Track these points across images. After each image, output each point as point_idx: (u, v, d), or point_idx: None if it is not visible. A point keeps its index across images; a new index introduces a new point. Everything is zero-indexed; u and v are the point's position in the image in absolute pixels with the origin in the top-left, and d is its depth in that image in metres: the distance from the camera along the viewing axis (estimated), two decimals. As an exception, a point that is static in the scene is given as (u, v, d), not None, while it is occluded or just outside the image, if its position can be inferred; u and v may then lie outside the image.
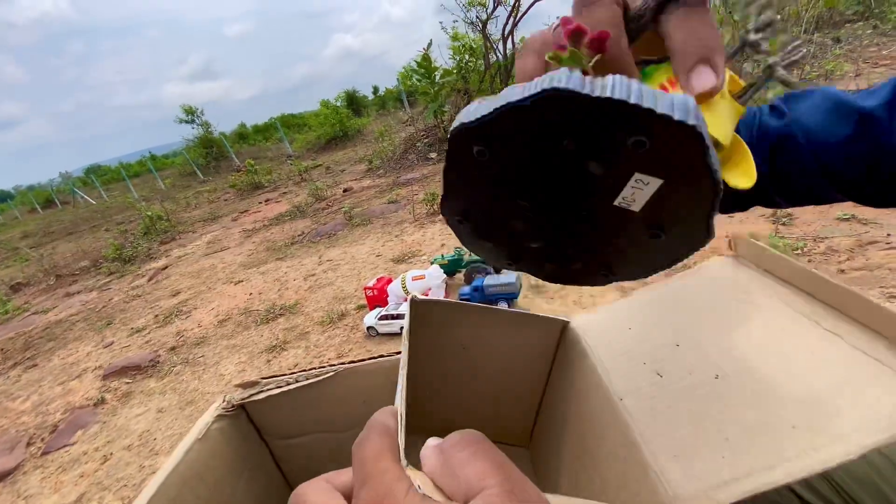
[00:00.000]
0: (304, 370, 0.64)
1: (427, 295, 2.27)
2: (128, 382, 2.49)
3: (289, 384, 0.64)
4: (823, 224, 2.60)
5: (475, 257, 2.51)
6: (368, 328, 2.27)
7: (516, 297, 2.21)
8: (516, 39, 7.14)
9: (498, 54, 7.03)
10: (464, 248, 2.39)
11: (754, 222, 2.75)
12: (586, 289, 2.28)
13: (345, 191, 5.85)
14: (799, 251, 2.20)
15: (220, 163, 13.56)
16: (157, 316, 3.38)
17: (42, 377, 2.96)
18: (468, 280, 2.43)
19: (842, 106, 0.39)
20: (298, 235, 4.49)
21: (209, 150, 13.79)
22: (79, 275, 5.67)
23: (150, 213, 6.75)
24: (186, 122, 14.43)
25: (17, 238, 11.35)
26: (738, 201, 0.48)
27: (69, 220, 12.11)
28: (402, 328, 2.17)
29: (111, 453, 1.95)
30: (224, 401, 0.61)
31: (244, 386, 0.65)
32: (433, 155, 6.38)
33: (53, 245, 8.87)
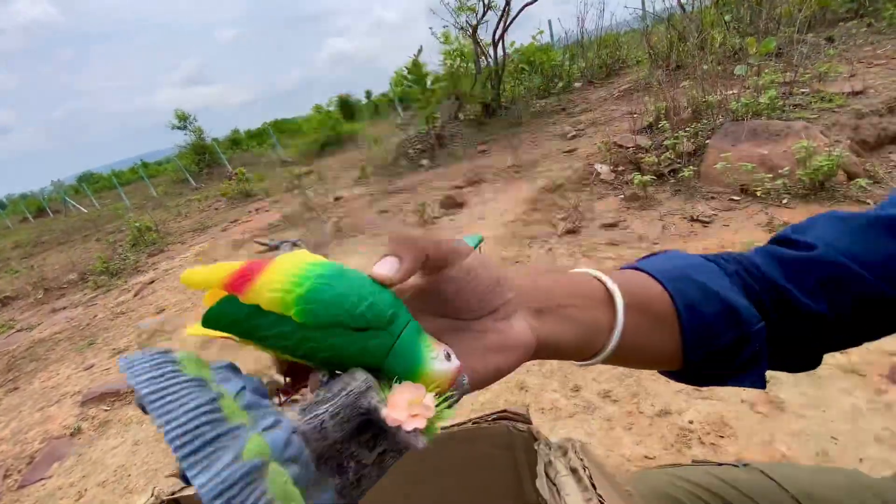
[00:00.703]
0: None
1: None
2: (105, 410, 2.40)
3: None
4: (821, 232, 2.55)
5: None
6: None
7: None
8: (507, 43, 7.09)
9: (489, 59, 6.98)
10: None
11: (751, 231, 2.69)
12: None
13: (336, 199, 5.77)
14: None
15: (213, 169, 13.46)
16: (140, 335, 3.28)
17: (22, 402, 2.87)
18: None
19: (876, 222, 0.39)
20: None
21: (201, 156, 13.69)
22: (66, 288, 5.56)
23: (138, 225, 6.65)
24: (179, 128, 14.32)
25: (8, 248, 11.19)
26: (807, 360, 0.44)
27: (60, 229, 11.97)
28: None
29: (86, 489, 1.86)
30: (152, 495, 0.53)
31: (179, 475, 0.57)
32: (425, 162, 6.31)
33: (44, 256, 8.74)
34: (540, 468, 0.47)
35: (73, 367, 3.09)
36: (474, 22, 6.61)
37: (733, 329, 0.38)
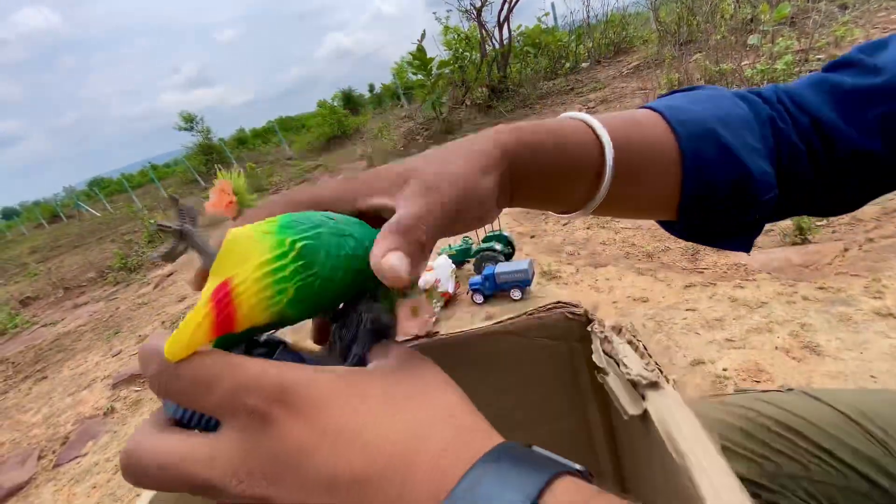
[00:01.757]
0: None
1: (437, 285, 2.19)
2: (136, 390, 2.45)
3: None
4: (843, 194, 2.51)
5: (484, 245, 2.43)
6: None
7: (529, 285, 2.14)
8: (512, 26, 7.03)
9: (494, 42, 6.93)
10: (471, 237, 2.30)
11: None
12: (601, 272, 2.20)
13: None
14: (823, 222, 2.11)
15: (221, 168, 13.56)
16: (164, 322, 3.34)
17: (52, 389, 2.94)
18: (478, 269, 2.36)
19: None
20: (302, 235, 4.45)
21: (209, 156, 13.79)
22: (86, 286, 5.66)
23: (153, 221, 6.74)
24: (185, 129, 14.43)
25: (25, 253, 11.42)
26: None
27: (75, 233, 12.17)
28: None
29: (122, 462, 1.91)
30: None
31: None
32: (433, 148, 6.30)
33: (60, 259, 8.90)
34: (595, 344, 0.47)
35: (100, 355, 3.16)
36: (479, 5, 6.56)
37: (740, 196, 0.36)
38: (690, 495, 0.30)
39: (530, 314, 0.51)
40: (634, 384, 0.38)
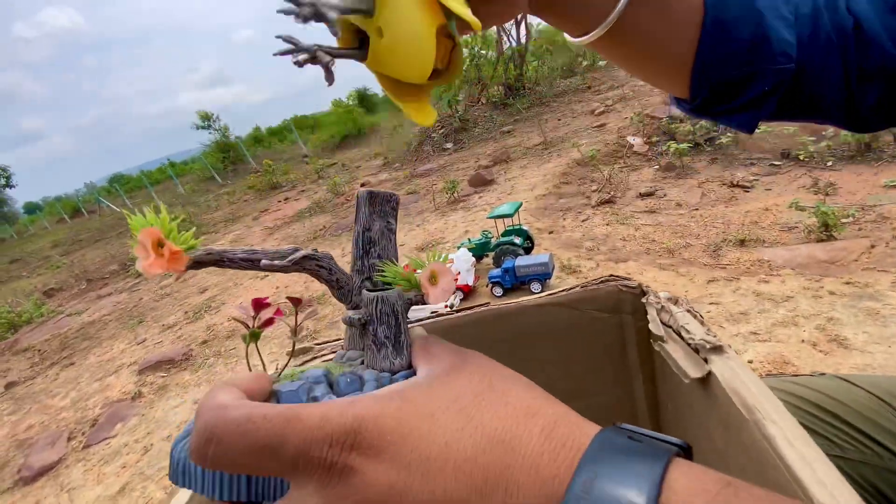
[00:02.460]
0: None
1: (456, 279, 2.21)
2: (163, 376, 2.51)
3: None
4: (869, 192, 2.47)
5: (504, 239, 2.45)
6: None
7: (549, 278, 2.15)
8: (529, 25, 7.01)
9: (511, 40, 6.92)
10: (491, 231, 2.29)
11: (795, 193, 2.62)
12: (622, 267, 2.20)
13: (362, 185, 5.84)
14: (849, 219, 2.09)
15: (238, 166, 13.74)
16: (186, 312, 3.41)
17: (79, 374, 3.02)
18: (497, 262, 2.38)
19: None
20: (320, 230, 4.50)
21: (226, 154, 13.98)
22: (108, 278, 5.79)
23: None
24: (203, 127, 14.66)
25: (47, 247, 11.71)
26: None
27: (96, 227, 12.45)
28: (432, 312, 2.13)
29: (151, 444, 1.97)
30: (276, 370, 0.57)
31: (295, 354, 0.61)
32: (449, 145, 6.32)
33: (83, 252, 9.11)
34: (652, 313, 0.48)
35: (126, 342, 3.24)
36: (495, 3, 6.56)
37: (754, 61, 0.34)
38: (759, 446, 0.32)
39: (584, 286, 0.53)
40: (697, 349, 0.39)
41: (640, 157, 3.69)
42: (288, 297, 0.29)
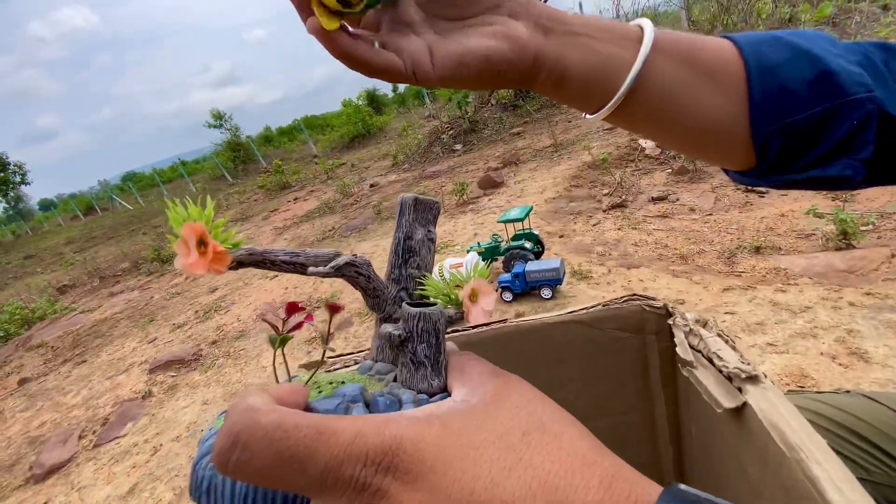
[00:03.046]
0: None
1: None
2: (173, 375, 2.53)
3: (357, 363, 0.59)
4: (889, 199, 2.41)
5: (514, 244, 2.43)
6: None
7: (560, 283, 2.12)
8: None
9: (522, 42, 6.88)
10: (501, 235, 2.29)
11: (811, 199, 2.57)
12: (634, 273, 2.17)
13: (371, 186, 5.85)
14: (869, 227, 2.04)
15: (248, 165, 13.84)
16: (196, 312, 3.43)
17: (91, 372, 3.05)
18: (507, 267, 2.36)
19: None
20: (329, 230, 4.50)
21: (237, 153, 14.10)
22: (121, 276, 5.86)
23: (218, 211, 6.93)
24: (215, 126, 14.81)
25: (61, 244, 11.89)
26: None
27: (109, 225, 12.61)
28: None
29: (161, 444, 1.97)
30: (290, 382, 0.56)
31: (309, 366, 0.60)
32: (458, 147, 6.31)
33: (96, 249, 9.23)
34: (680, 336, 0.47)
35: (136, 341, 3.27)
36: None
37: (824, 97, 0.29)
38: (802, 486, 0.30)
39: (605, 304, 0.52)
40: (730, 377, 0.38)
41: (652, 160, 3.65)
42: (327, 305, 0.27)
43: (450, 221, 3.62)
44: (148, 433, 2.09)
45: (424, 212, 0.30)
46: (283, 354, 0.30)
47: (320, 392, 0.26)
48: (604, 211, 3.08)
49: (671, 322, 0.48)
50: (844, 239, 1.97)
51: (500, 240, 2.60)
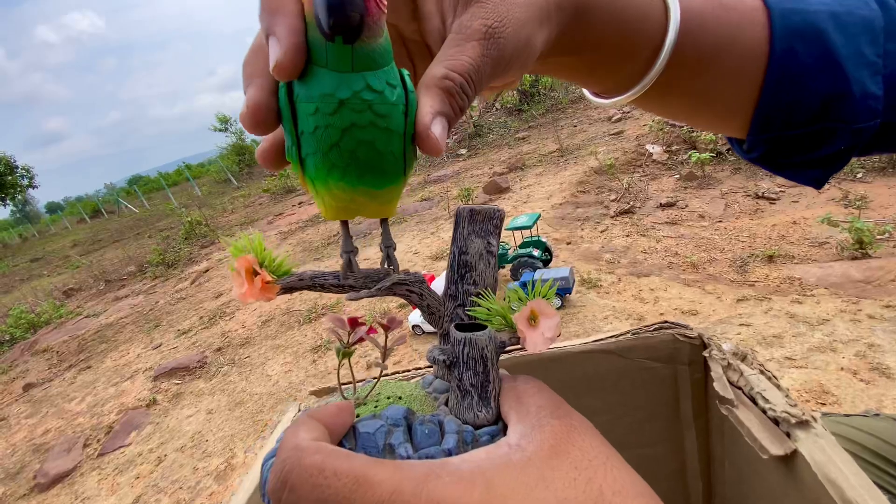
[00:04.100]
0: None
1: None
2: (177, 383, 2.51)
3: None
4: (904, 206, 2.37)
5: (522, 251, 2.40)
6: (414, 326, 2.20)
7: (570, 293, 2.09)
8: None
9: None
10: (508, 242, 2.27)
11: (824, 206, 2.53)
12: (645, 282, 2.13)
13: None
14: (884, 236, 2.00)
15: (253, 169, 13.89)
16: (201, 318, 3.42)
17: (96, 379, 3.04)
18: (515, 275, 2.33)
19: None
20: (334, 235, 4.49)
21: (242, 156, 14.16)
22: (126, 279, 5.87)
23: (189, 219, 6.94)
24: (220, 130, 14.88)
25: (68, 247, 11.96)
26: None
27: (115, 228, 12.67)
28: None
29: (165, 455, 1.96)
30: (299, 410, 0.54)
31: (319, 393, 0.57)
32: (463, 151, 6.29)
33: (102, 252, 9.27)
34: (717, 371, 0.44)
35: (141, 347, 3.26)
36: None
37: (829, 117, 0.29)
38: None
39: (635, 333, 0.49)
40: (777, 421, 0.35)
41: (660, 165, 3.62)
42: (380, 324, 0.27)
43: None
44: (152, 443, 2.08)
45: (483, 222, 0.28)
46: (350, 365, 0.29)
47: (376, 406, 0.26)
48: (611, 217, 3.05)
49: (706, 354, 0.45)
50: (860, 248, 1.93)
51: (507, 247, 2.58)
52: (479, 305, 0.27)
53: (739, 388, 0.40)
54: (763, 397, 0.37)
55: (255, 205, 8.56)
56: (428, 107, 0.22)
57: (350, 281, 0.27)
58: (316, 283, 0.26)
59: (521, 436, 0.20)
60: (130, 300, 4.76)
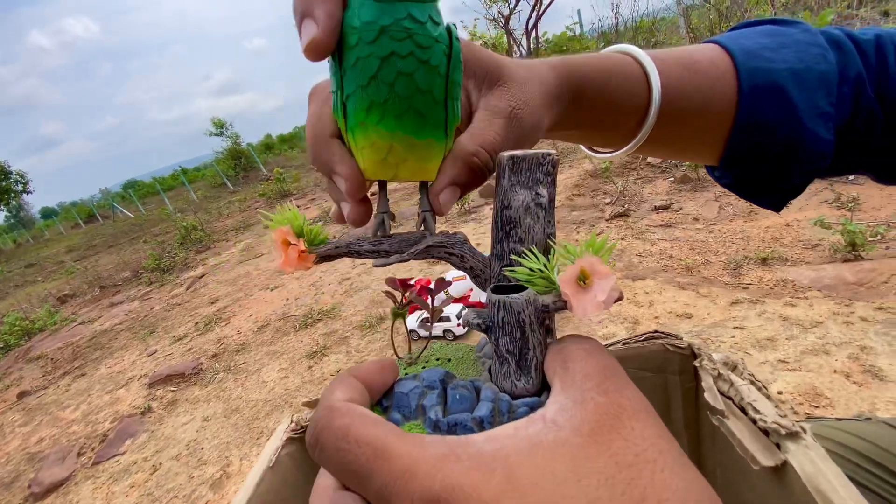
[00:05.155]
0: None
1: (469, 295, 2.17)
2: (172, 390, 2.50)
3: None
4: (895, 208, 2.39)
5: (517, 255, 2.41)
6: (410, 331, 2.20)
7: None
8: (539, 33, 7.01)
9: (521, 49, 6.92)
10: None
11: (816, 208, 2.55)
12: (640, 286, 2.14)
13: (372, 195, 5.83)
14: (877, 238, 2.02)
15: (249, 173, 13.86)
16: (197, 324, 3.41)
17: (90, 386, 3.02)
18: (511, 279, 2.33)
19: None
20: (331, 239, 4.49)
21: (238, 161, 14.13)
22: (121, 285, 5.84)
23: (185, 224, 6.92)
24: (216, 134, 14.85)
25: (62, 252, 11.88)
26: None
27: (110, 233, 12.60)
28: (444, 331, 2.09)
29: (160, 463, 1.94)
30: (292, 422, 0.54)
31: (312, 405, 0.57)
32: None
33: (96, 258, 9.21)
34: (707, 381, 0.44)
35: (136, 354, 3.24)
36: (507, 13, 6.57)
37: (788, 159, 0.35)
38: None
39: (626, 342, 0.49)
40: (767, 432, 0.35)
41: (655, 168, 3.64)
42: (423, 286, 0.28)
43: (451, 230, 3.60)
44: (147, 451, 2.06)
45: (529, 171, 0.24)
46: (405, 323, 0.33)
47: (424, 367, 0.26)
48: (606, 220, 3.06)
49: (697, 364, 0.45)
50: (853, 250, 1.95)
51: (503, 251, 2.58)
52: (519, 265, 0.24)
53: (730, 399, 0.40)
54: (753, 408, 0.37)
55: (251, 209, 8.54)
56: (447, 176, 0.25)
57: (385, 246, 0.26)
58: (351, 250, 0.26)
59: (560, 410, 0.18)
60: (125, 306, 4.73)
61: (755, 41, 0.35)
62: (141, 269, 5.98)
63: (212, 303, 3.79)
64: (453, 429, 0.21)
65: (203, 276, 4.77)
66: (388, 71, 0.21)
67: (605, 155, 0.39)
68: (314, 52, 0.21)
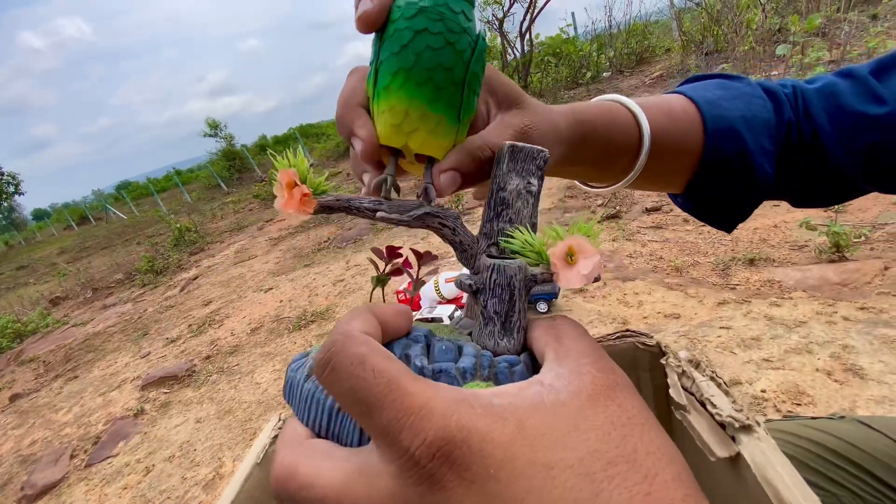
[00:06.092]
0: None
1: (461, 297, 2.20)
2: (165, 392, 2.50)
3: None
4: (880, 210, 2.43)
5: (509, 257, 2.43)
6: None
7: (556, 297, 2.12)
8: (533, 36, 7.05)
9: (515, 52, 6.95)
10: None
11: (807, 210, 2.59)
12: (630, 286, 2.17)
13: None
14: (861, 239, 2.05)
15: (243, 174, 13.83)
16: (190, 325, 3.40)
17: (83, 388, 3.01)
18: (503, 280, 2.35)
19: None
20: (325, 241, 4.49)
21: (232, 162, 14.09)
22: (114, 287, 5.81)
23: (178, 226, 6.90)
24: (210, 135, 14.80)
25: (54, 254, 11.79)
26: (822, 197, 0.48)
27: (103, 235, 12.53)
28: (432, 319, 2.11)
29: (153, 465, 1.95)
30: (279, 419, 0.55)
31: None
32: (454, 156, 6.33)
33: (89, 260, 9.16)
34: (672, 378, 0.46)
35: (129, 356, 3.24)
36: (501, 15, 6.60)
37: (742, 189, 0.42)
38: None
39: (599, 341, 0.51)
40: (723, 426, 0.37)
41: (647, 170, 3.68)
42: (413, 251, 0.29)
43: (445, 232, 3.62)
44: (140, 453, 2.06)
45: (524, 161, 0.28)
46: (383, 292, 0.33)
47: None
48: (598, 222, 3.08)
49: (664, 361, 0.47)
50: (837, 251, 1.98)
51: (495, 252, 2.61)
52: (513, 238, 0.26)
53: (692, 394, 0.42)
54: (711, 402, 0.39)
55: (245, 210, 8.52)
56: (452, 160, 0.28)
57: (384, 206, 0.27)
58: (352, 206, 0.27)
59: (557, 377, 0.19)
60: (118, 308, 4.71)
61: (713, 93, 0.43)
62: (134, 270, 5.96)
63: (205, 304, 3.78)
64: (437, 376, 0.22)
65: (197, 277, 4.76)
66: (419, 42, 0.24)
67: (598, 189, 0.45)
68: (365, 24, 0.24)
